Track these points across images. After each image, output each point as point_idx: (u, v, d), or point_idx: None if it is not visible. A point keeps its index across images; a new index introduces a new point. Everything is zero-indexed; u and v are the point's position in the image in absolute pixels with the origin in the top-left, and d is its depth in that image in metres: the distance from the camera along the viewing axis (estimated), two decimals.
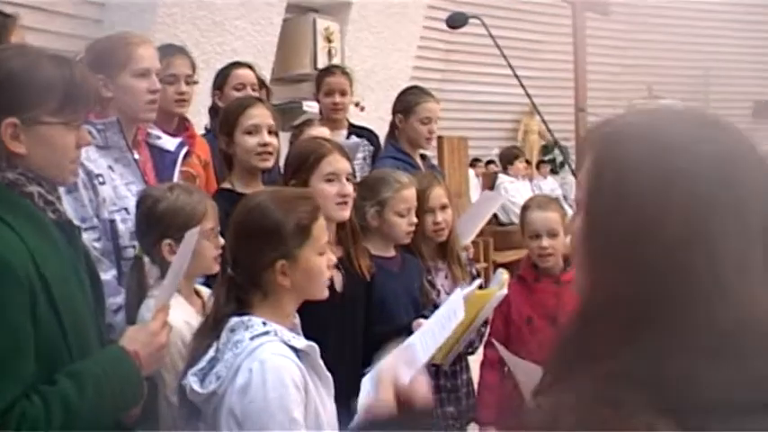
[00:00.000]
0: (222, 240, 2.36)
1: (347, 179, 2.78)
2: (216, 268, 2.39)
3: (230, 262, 2.13)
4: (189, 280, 2.42)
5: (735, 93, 16.52)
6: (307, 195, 2.26)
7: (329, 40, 8.15)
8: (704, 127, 1.00)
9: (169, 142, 3.00)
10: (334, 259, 2.22)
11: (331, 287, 2.32)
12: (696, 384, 0.89)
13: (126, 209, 2.62)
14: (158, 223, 2.37)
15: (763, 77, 16.46)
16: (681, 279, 0.92)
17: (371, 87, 8.40)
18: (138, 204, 2.48)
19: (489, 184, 9.22)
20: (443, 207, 3.32)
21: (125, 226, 2.61)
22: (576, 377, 0.95)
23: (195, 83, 3.56)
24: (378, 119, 5.62)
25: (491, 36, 3.04)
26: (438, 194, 3.31)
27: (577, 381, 0.93)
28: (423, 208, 3.20)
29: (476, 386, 3.49)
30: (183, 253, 2.10)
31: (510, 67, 2.92)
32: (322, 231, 2.16)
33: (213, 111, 3.88)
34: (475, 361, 3.56)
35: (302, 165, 2.77)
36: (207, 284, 2.52)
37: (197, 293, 2.50)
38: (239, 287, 2.10)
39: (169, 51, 3.42)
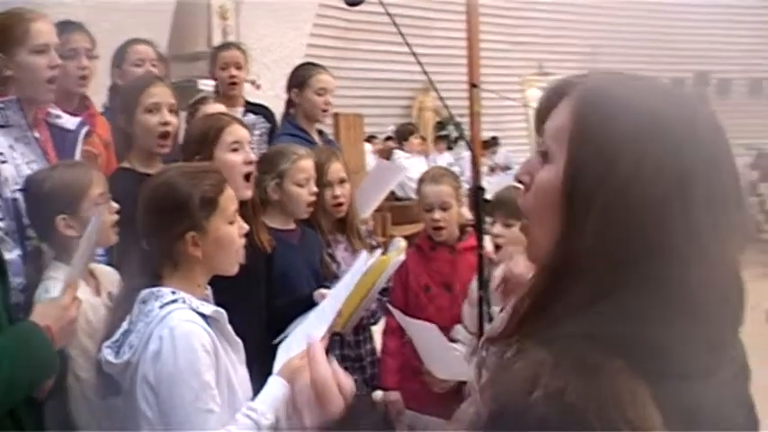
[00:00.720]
0: (116, 205, 2.41)
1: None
2: (113, 239, 2.45)
3: (142, 236, 2.17)
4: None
5: (623, 69, 17.04)
6: (212, 169, 2.31)
7: (224, 18, 8.08)
8: (673, 91, 1.06)
9: (69, 121, 2.97)
10: (245, 227, 2.28)
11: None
12: (670, 350, 0.94)
13: None
14: (48, 202, 2.40)
15: (649, 54, 17.09)
16: (660, 231, 0.96)
17: (267, 65, 8.39)
18: (25, 190, 2.51)
19: (384, 159, 9.36)
20: (342, 181, 3.41)
21: None
22: (548, 333, 0.98)
23: (96, 57, 3.51)
24: (274, 97, 5.65)
25: (388, 14, 3.10)
26: (336, 168, 3.40)
27: (552, 338, 0.97)
28: (322, 182, 3.27)
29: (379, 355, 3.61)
30: (90, 232, 2.14)
31: (407, 45, 2.99)
32: (230, 201, 2.22)
33: (112, 89, 3.86)
34: (378, 332, 3.69)
35: (204, 139, 2.80)
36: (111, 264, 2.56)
37: (91, 274, 2.52)
38: (151, 260, 2.15)
39: (67, 28, 3.37)
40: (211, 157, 2.74)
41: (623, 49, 16.78)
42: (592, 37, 16.51)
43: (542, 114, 1.11)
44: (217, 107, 3.62)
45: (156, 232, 2.15)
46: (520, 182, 1.11)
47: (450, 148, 13.34)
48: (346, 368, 3.34)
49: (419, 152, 9.42)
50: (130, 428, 2.11)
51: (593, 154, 1.00)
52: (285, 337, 2.51)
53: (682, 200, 0.96)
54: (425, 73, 4.52)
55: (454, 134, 14.42)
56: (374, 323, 3.65)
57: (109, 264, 2.60)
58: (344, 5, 4.28)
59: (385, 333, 3.61)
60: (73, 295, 2.07)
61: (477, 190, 2.77)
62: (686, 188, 0.97)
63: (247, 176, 2.80)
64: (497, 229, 3.02)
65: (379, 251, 3.11)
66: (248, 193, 2.78)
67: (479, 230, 2.80)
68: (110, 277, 2.52)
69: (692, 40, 17.41)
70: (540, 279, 1.05)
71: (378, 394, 3.58)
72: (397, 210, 7.99)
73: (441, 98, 4.82)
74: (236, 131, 2.81)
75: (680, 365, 0.95)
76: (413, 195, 8.54)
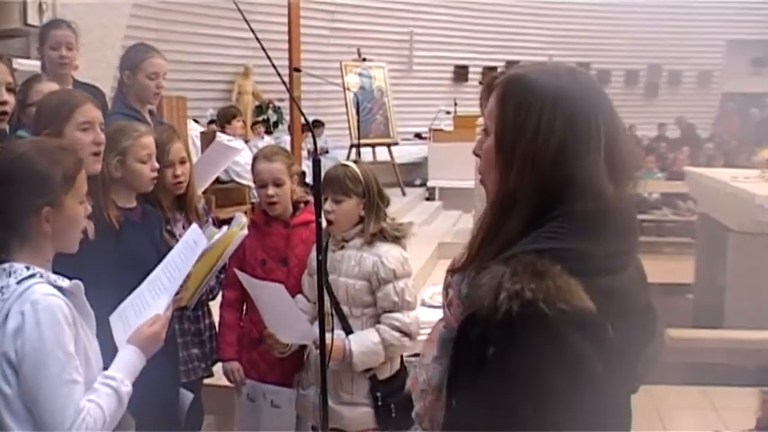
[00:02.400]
0: None
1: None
2: None
3: None
4: None
5: (437, 57, 17.64)
6: (69, 147, 2.34)
7: None
8: (572, 72, 1.51)
9: None
10: (89, 209, 2.32)
11: (84, 235, 2.40)
12: (591, 255, 1.37)
13: None
14: None
15: (464, 43, 17.80)
16: (566, 173, 1.40)
17: (85, 46, 8.18)
18: None
19: (208, 142, 9.33)
20: (182, 161, 3.51)
21: None
22: (502, 254, 1.38)
23: None
24: (92, 78, 5.57)
25: (238, 7, 3.20)
26: (177, 148, 3.49)
27: (506, 257, 1.36)
28: (163, 161, 3.34)
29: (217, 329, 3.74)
30: None
31: (252, 30, 3.08)
32: (84, 181, 2.26)
33: None
34: (215, 307, 3.82)
35: (56, 115, 2.82)
36: None
37: None
38: None
39: None
40: (61, 133, 2.76)
41: (438, 38, 17.43)
42: (409, 25, 17.01)
43: (483, 101, 1.57)
44: (51, 86, 3.58)
45: (8, 206, 2.14)
46: (476, 154, 1.57)
47: (269, 132, 13.42)
48: (185, 342, 3.48)
49: (240, 135, 9.44)
50: None
51: (511, 122, 1.46)
52: None
53: (573, 146, 1.41)
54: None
55: (273, 118, 14.54)
56: (212, 299, 3.76)
57: None
58: None
59: (222, 306, 3.73)
60: None
61: (316, 163, 2.96)
62: (575, 136, 1.42)
63: (95, 154, 2.83)
64: (328, 205, 3.23)
65: (225, 227, 3.20)
66: (97, 168, 2.82)
67: (318, 204, 3.00)
68: None
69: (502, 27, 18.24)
70: (488, 216, 1.49)
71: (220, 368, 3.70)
72: (220, 192, 8.04)
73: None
74: (88, 111, 2.84)
75: (599, 266, 1.38)
76: (235, 178, 8.64)
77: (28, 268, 2.12)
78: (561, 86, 1.45)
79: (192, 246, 2.76)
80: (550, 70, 1.50)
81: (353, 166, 3.34)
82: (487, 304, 1.30)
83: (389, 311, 3.23)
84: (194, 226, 2.99)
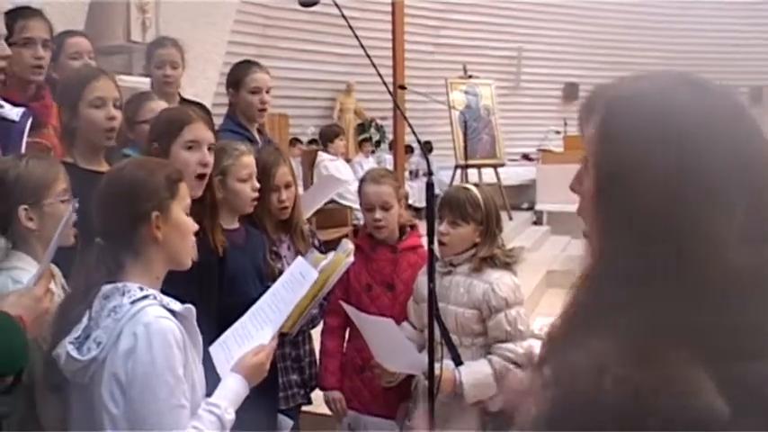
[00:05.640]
0: (77, 204, 2.47)
1: (209, 149, 2.92)
2: (72, 240, 2.50)
3: (99, 229, 2.25)
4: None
5: (546, 74, 17.46)
6: (169, 163, 2.45)
7: (143, 11, 8.10)
8: (703, 90, 1.14)
9: (12, 112, 2.99)
10: (196, 226, 2.38)
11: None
12: (728, 333, 1.03)
13: None
14: (11, 192, 2.46)
15: (574, 60, 17.59)
16: (688, 232, 1.06)
17: (186, 61, 8.42)
18: None
19: (310, 161, 9.47)
20: (288, 185, 3.55)
21: None
22: (604, 322, 1.08)
23: (51, 47, 3.51)
24: (193, 95, 5.70)
25: (343, 17, 3.21)
26: (283, 172, 3.54)
27: (609, 326, 1.06)
28: (268, 185, 3.41)
29: (317, 355, 3.76)
30: (64, 225, 2.25)
31: (362, 46, 3.09)
32: (186, 193, 2.34)
33: (48, 82, 3.75)
34: (315, 332, 3.83)
35: (165, 131, 2.90)
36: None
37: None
38: (108, 254, 2.22)
39: (24, 13, 3.37)
40: (167, 150, 2.84)
41: (547, 54, 17.25)
42: (514, 40, 16.90)
43: (582, 123, 1.23)
44: (161, 104, 3.68)
45: (117, 220, 2.22)
46: (573, 190, 1.25)
47: (372, 152, 13.52)
48: (286, 368, 3.51)
49: (342, 155, 9.57)
50: (84, 425, 2.19)
51: (614, 166, 1.12)
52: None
53: (698, 197, 1.06)
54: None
55: (376, 137, 14.65)
56: (313, 327, 3.78)
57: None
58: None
59: (324, 333, 3.74)
60: (46, 286, 2.15)
61: (429, 187, 2.95)
62: (703, 184, 1.06)
63: (200, 177, 2.89)
64: (443, 227, 3.23)
65: (332, 254, 3.22)
66: (197, 193, 2.85)
67: (431, 229, 2.98)
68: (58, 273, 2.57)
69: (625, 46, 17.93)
70: (585, 284, 1.17)
71: (320, 395, 3.72)
72: (322, 213, 8.14)
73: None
74: (196, 130, 2.90)
75: (731, 348, 1.04)
76: (338, 199, 8.72)
77: (141, 289, 2.18)
78: (684, 114, 1.09)
79: (299, 279, 2.81)
80: (670, 87, 1.14)
81: (474, 190, 3.32)
82: (586, 390, 1.03)
83: (501, 341, 3.19)
84: (301, 260, 3.01)
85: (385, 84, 3.13)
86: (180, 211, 2.29)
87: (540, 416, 1.12)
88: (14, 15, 3.01)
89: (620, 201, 1.10)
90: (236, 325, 2.69)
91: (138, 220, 2.22)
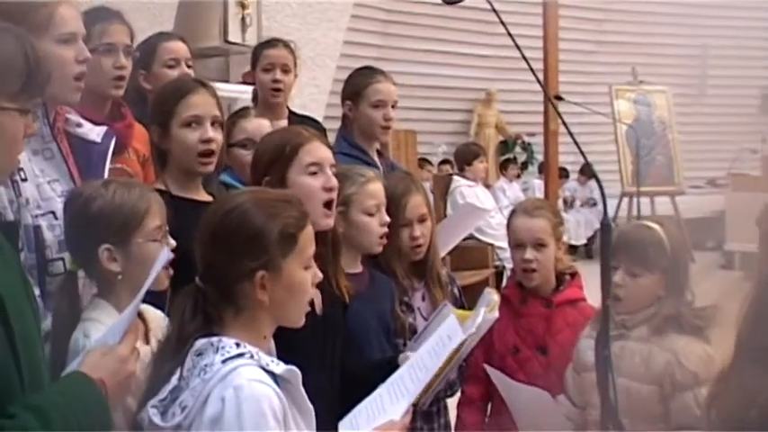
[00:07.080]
0: (173, 242, 2.53)
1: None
2: (165, 283, 2.53)
3: (199, 272, 2.28)
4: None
5: (738, 78, 16.96)
6: (293, 200, 2.40)
7: (243, 6, 8.17)
8: None
9: (92, 131, 3.03)
10: (320, 275, 2.38)
11: (311, 308, 2.45)
12: None
13: (53, 212, 2.69)
14: (93, 226, 2.49)
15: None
16: None
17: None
18: (67, 206, 2.59)
19: (442, 187, 9.44)
20: (422, 219, 3.48)
21: (52, 234, 2.68)
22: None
23: (135, 55, 3.57)
24: (300, 106, 5.73)
25: (494, 10, 3.08)
26: (416, 203, 3.47)
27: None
28: (398, 220, 3.35)
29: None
30: (156, 270, 2.27)
31: (517, 46, 2.95)
32: (309, 241, 2.33)
33: (137, 95, 3.85)
34: (451, 402, 3.77)
35: (278, 157, 2.90)
36: (154, 304, 2.64)
37: (140, 316, 2.56)
38: (208, 302, 2.24)
39: (103, 15, 3.42)
40: (284, 180, 2.85)
41: (740, 51, 16.79)
42: (696, 35, 16.54)
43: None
44: (261, 123, 3.75)
45: (220, 268, 2.24)
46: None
47: (517, 176, 13.44)
48: None
49: (482, 179, 9.51)
50: None
51: None
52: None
53: None
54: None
55: (522, 157, 14.57)
56: (451, 395, 3.72)
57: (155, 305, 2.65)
58: None
59: (461, 405, 3.71)
60: (133, 345, 2.18)
61: (605, 228, 2.84)
62: None
63: (328, 204, 2.88)
64: (618, 277, 3.09)
65: (482, 310, 3.17)
66: (329, 223, 2.86)
67: (606, 278, 2.88)
68: (160, 323, 2.58)
69: None
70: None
71: None
72: (457, 251, 8.08)
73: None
74: (315, 151, 2.90)
75: None
76: (477, 235, 8.65)
77: (238, 345, 2.18)
78: None
79: (445, 342, 2.79)
80: None
81: (659, 229, 3.19)
82: (728, 416, 1.27)
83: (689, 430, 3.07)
84: (453, 320, 2.96)
85: (546, 92, 3.09)
86: (296, 267, 2.29)
87: None
88: (92, 17, 3.06)
89: None
90: (371, 398, 2.69)
91: (241, 278, 2.23)
